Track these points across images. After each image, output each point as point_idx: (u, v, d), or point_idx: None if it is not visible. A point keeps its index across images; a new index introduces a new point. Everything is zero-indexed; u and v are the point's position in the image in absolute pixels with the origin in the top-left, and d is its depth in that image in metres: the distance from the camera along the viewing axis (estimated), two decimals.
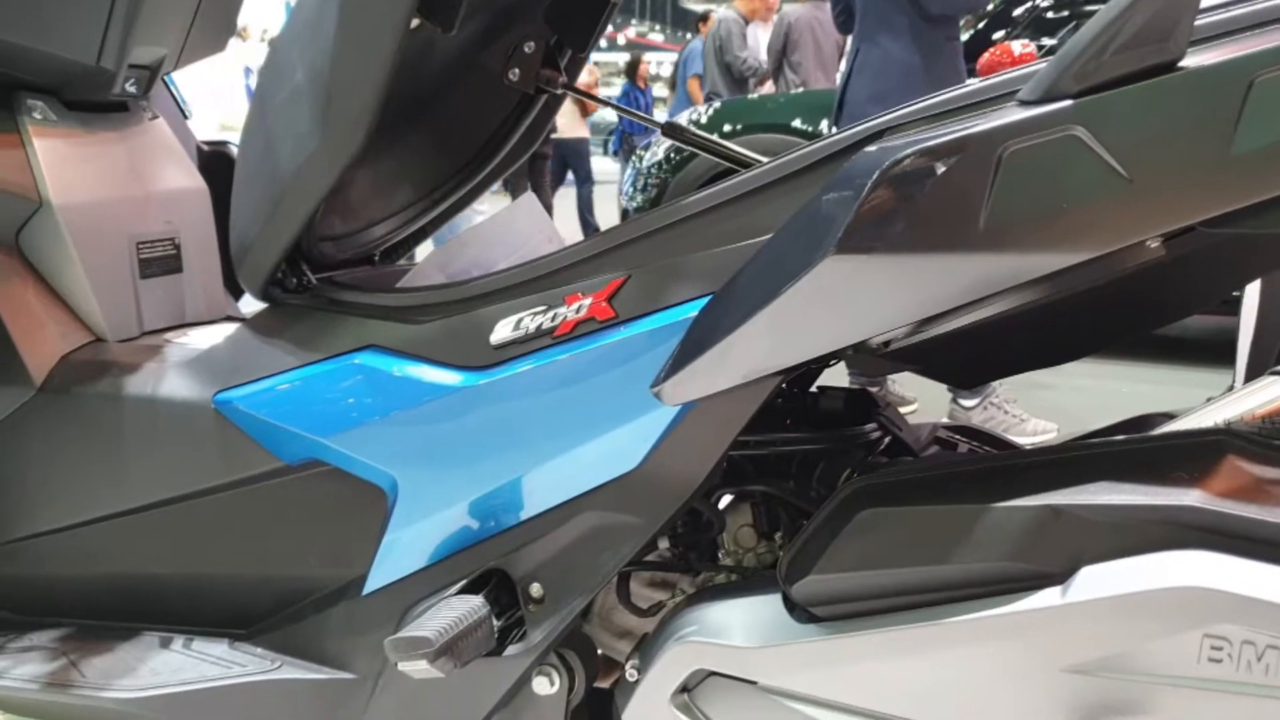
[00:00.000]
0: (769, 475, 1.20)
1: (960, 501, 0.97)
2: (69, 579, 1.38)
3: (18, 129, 1.42)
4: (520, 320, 1.14)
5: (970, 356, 1.18)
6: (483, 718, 1.19)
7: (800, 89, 6.58)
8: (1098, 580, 0.89)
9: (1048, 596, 0.91)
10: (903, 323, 0.92)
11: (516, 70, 1.48)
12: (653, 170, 5.37)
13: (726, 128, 5.18)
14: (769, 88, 7.24)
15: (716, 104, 5.73)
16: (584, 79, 1.58)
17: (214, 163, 1.79)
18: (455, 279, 1.41)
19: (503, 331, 1.14)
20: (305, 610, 1.28)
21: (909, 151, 0.86)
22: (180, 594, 1.34)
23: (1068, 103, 0.84)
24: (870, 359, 1.15)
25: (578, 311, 1.11)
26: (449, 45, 1.41)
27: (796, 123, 5.04)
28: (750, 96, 7.08)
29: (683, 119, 5.63)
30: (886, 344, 1.08)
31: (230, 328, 1.51)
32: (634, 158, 5.66)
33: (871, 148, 0.96)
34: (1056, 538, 0.91)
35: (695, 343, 1.02)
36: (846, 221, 0.86)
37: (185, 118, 1.81)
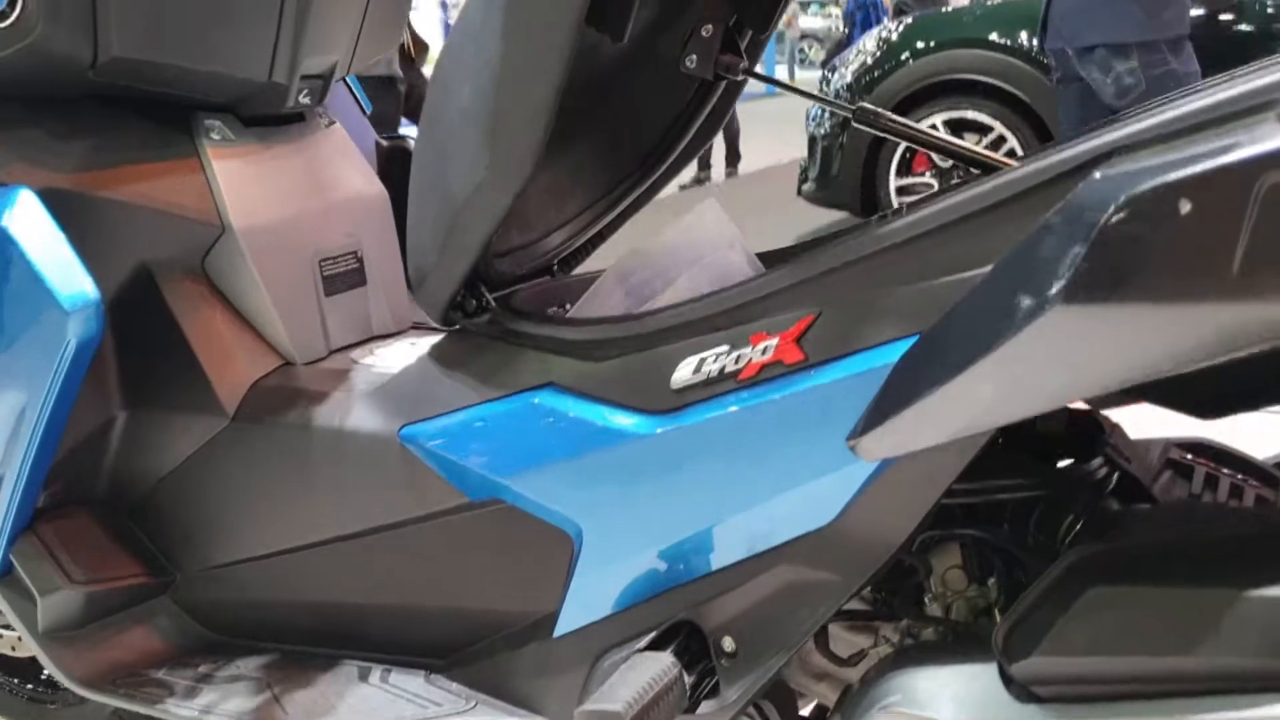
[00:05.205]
0: (980, 520, 1.10)
1: (1203, 583, 0.85)
2: (269, 604, 1.40)
3: (197, 153, 1.42)
4: (702, 362, 1.06)
5: (1215, 387, 1.04)
6: None
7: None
8: None
9: None
10: (1139, 379, 0.80)
11: (694, 57, 1.38)
12: (841, 94, 5.15)
13: (919, 44, 4.90)
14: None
15: (908, 19, 5.43)
16: None
17: (393, 159, 1.77)
18: (637, 290, 1.34)
19: (684, 373, 1.07)
20: (498, 646, 1.26)
21: (1146, 187, 0.73)
22: (376, 623, 1.35)
23: None
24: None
25: (764, 353, 1.03)
26: None
27: (994, 36, 4.72)
28: (944, 10, 6.71)
29: (871, 36, 5.35)
30: None
31: (415, 346, 1.50)
32: (821, 82, 5.45)
33: (1099, 174, 0.83)
34: None
35: (899, 393, 0.92)
36: (1076, 267, 0.74)
37: (364, 113, 1.79)
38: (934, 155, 4.99)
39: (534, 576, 1.22)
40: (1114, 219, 0.74)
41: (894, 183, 5.05)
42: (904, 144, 5.07)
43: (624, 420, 1.10)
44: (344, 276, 1.52)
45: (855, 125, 1.33)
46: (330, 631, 1.38)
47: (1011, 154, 4.83)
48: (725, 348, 1.05)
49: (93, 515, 1.44)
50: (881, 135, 1.34)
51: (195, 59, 1.36)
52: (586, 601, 1.16)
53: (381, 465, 1.27)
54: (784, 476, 1.03)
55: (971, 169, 1.29)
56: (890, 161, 5.06)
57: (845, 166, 5.18)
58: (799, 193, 5.56)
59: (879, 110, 1.32)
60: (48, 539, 1.39)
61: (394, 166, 1.76)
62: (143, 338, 1.40)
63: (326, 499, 1.33)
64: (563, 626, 1.18)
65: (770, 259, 1.40)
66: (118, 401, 1.42)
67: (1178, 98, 0.85)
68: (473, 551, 1.26)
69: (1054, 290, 0.75)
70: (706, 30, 1.37)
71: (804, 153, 5.51)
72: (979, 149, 1.27)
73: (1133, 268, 0.74)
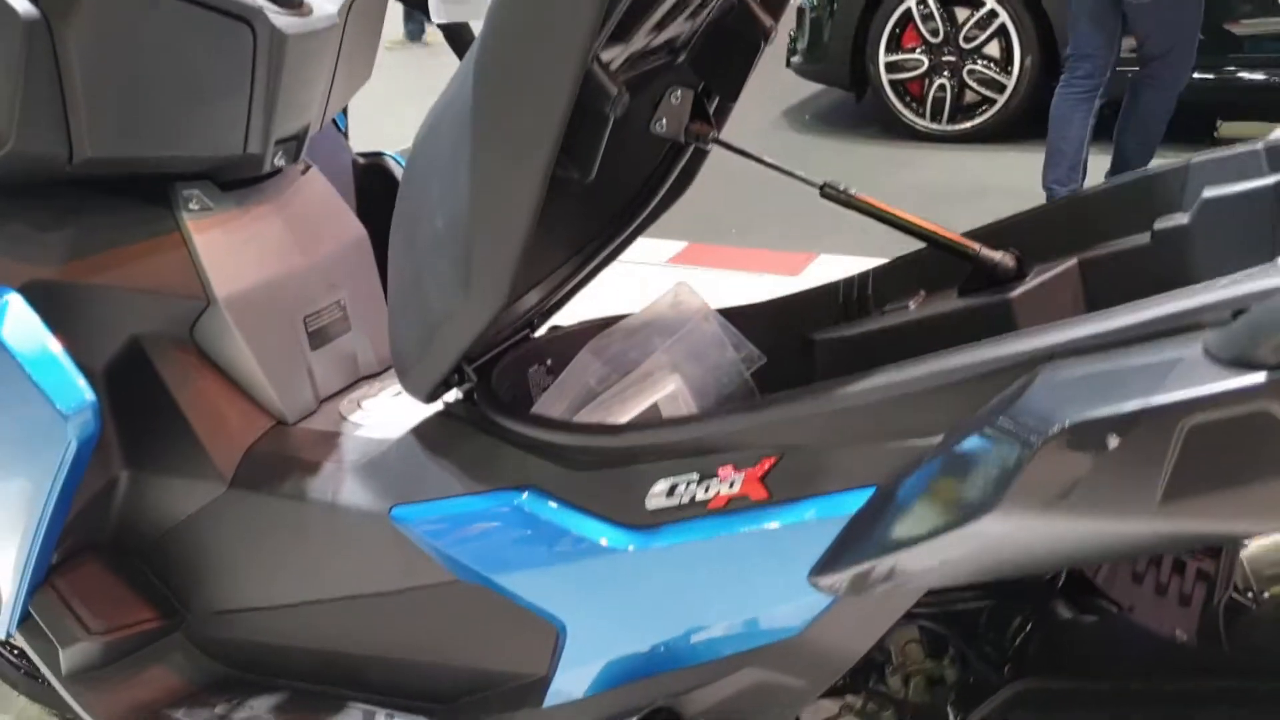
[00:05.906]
0: (935, 617, 1.18)
1: None
2: (277, 647, 1.49)
3: (178, 226, 1.43)
4: (674, 486, 1.12)
5: None
6: None
7: None
8: None
9: None
10: (1067, 567, 0.89)
11: (664, 121, 1.39)
12: None
13: None
14: None
15: None
16: None
17: (371, 177, 1.77)
18: (615, 359, 1.39)
19: (658, 492, 1.13)
20: (493, 703, 1.35)
21: (1081, 419, 0.80)
22: (378, 670, 1.44)
23: (1261, 378, 0.75)
24: None
25: (731, 487, 1.09)
26: None
27: None
28: None
29: None
30: None
31: (400, 397, 1.54)
32: None
33: (1042, 378, 0.88)
34: None
35: (854, 545, 1.00)
36: (1012, 481, 0.82)
37: (339, 130, 1.79)
38: (924, 31, 4.89)
39: (523, 648, 1.31)
40: (1050, 444, 0.80)
41: (884, 58, 4.96)
42: (894, 18, 4.97)
43: (601, 532, 1.17)
44: (329, 327, 1.55)
45: (822, 197, 1.35)
46: (335, 674, 1.47)
47: (1003, 30, 4.73)
48: (695, 475, 1.11)
49: (104, 562, 1.52)
50: (850, 207, 1.35)
51: (169, 146, 1.37)
52: (572, 682, 1.25)
53: (375, 541, 1.34)
54: (750, 598, 1.12)
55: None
56: (880, 36, 4.95)
57: (835, 40, 5.08)
58: (787, 64, 5.45)
59: (846, 190, 1.34)
60: (63, 591, 1.47)
61: (372, 185, 1.76)
62: (139, 406, 1.45)
63: (323, 566, 1.40)
64: (551, 699, 1.27)
65: (733, 315, 1.44)
66: (119, 462, 1.47)
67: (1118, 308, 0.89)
68: (463, 621, 1.34)
69: (990, 498, 0.83)
70: (676, 97, 1.37)
71: (792, 7, 5.38)
72: (949, 233, 1.30)
73: (1064, 490, 0.81)
